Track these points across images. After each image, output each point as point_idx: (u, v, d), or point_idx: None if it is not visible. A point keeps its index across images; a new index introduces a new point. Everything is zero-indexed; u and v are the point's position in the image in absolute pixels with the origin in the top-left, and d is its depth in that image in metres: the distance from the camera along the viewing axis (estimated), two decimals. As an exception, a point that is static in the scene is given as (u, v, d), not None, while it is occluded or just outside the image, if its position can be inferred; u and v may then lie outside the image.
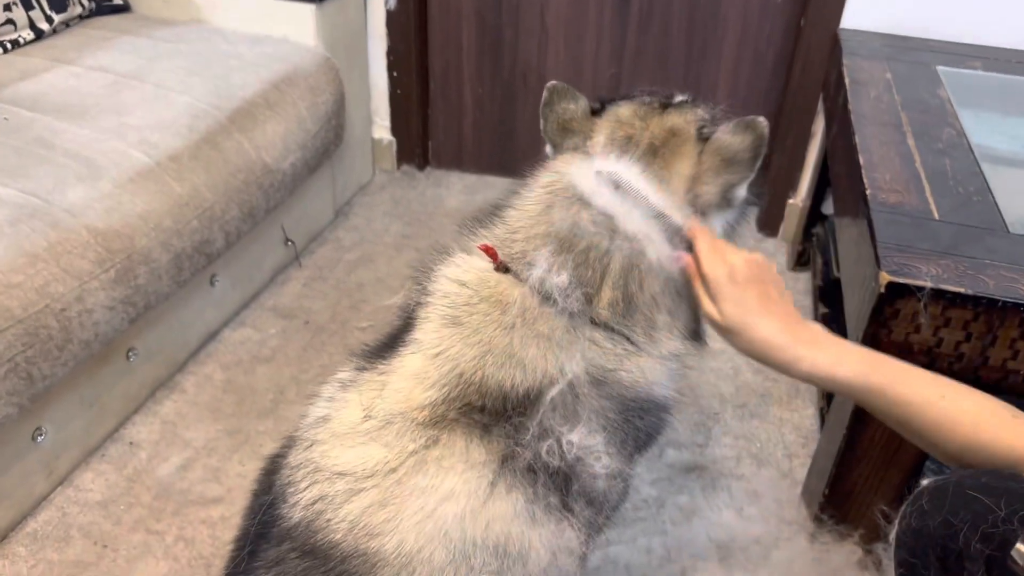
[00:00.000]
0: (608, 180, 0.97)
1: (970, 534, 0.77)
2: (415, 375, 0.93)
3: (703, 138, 1.00)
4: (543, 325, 0.93)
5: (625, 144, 1.00)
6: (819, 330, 0.96)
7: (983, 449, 0.88)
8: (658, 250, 0.96)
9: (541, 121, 1.06)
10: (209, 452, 1.67)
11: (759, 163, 0.98)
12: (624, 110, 1.04)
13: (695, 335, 1.04)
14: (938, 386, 0.93)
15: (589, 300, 0.95)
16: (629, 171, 0.97)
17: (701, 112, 1.04)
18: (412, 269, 1.04)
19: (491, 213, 1.04)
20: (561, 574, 0.94)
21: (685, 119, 1.02)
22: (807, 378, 0.95)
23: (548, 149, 1.07)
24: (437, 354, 0.93)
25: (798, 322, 0.96)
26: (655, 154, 0.99)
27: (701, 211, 0.99)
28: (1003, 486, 0.78)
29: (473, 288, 0.96)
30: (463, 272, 0.98)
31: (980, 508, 0.77)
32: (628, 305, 0.96)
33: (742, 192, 1.00)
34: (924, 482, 0.86)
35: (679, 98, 1.06)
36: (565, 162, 1.02)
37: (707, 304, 0.97)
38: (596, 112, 1.06)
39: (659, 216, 0.97)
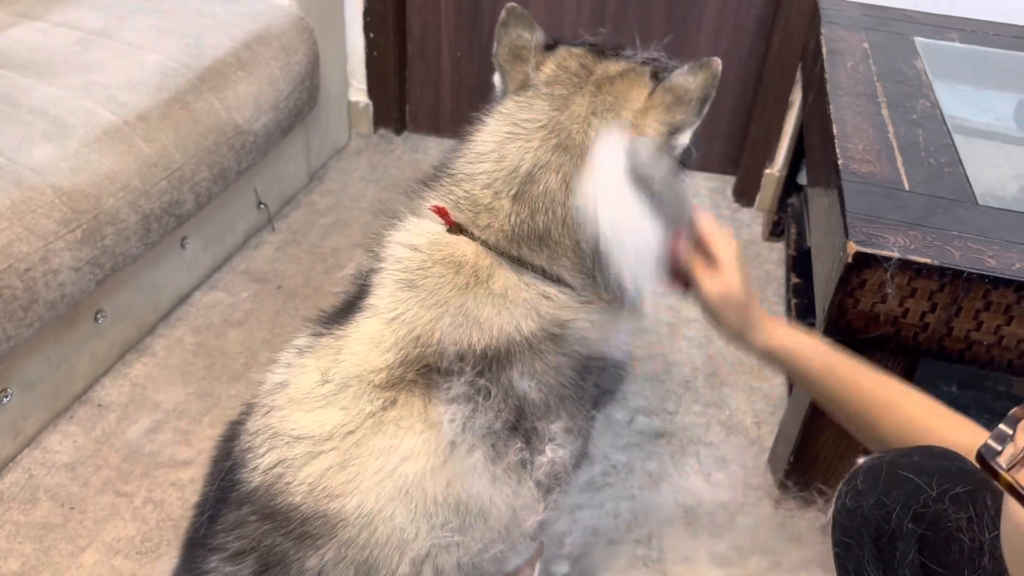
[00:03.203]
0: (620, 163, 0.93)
1: (902, 514, 0.78)
2: (371, 339, 0.92)
3: (658, 79, 0.99)
4: (497, 283, 0.93)
5: (578, 71, 0.98)
6: (778, 320, 1.09)
7: (920, 439, 0.91)
8: (642, 230, 0.95)
9: (494, 44, 1.03)
10: (179, 415, 1.66)
11: (707, 107, 0.97)
12: (576, 49, 1.03)
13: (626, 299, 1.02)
14: (879, 374, 1.04)
15: (543, 248, 0.94)
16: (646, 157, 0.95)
17: (652, 58, 1.03)
18: (364, 236, 1.02)
19: (437, 173, 1.02)
20: (522, 531, 0.94)
21: (637, 62, 1.01)
22: (768, 348, 1.05)
23: (496, 79, 1.04)
24: (393, 318, 0.92)
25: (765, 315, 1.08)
26: (611, 81, 0.97)
27: None
28: (935, 465, 0.79)
29: (426, 252, 0.95)
30: (414, 236, 0.97)
31: (912, 488, 0.78)
32: (579, 260, 0.95)
33: (685, 139, 0.98)
34: (860, 461, 0.87)
35: (629, 52, 1.05)
36: (509, 109, 0.99)
37: (710, 282, 1.03)
38: (549, 48, 1.03)
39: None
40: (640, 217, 0.94)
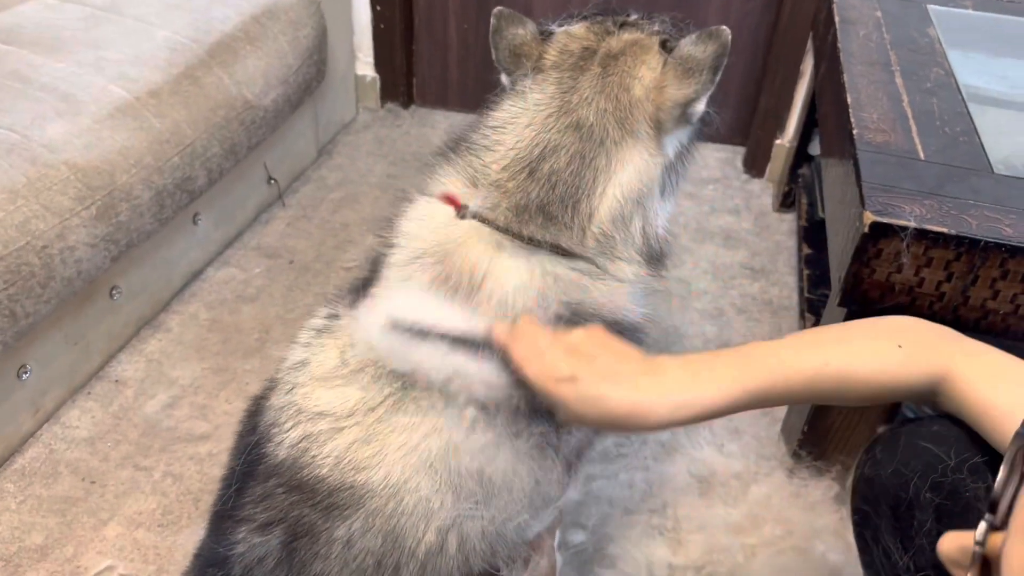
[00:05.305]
0: (399, 328, 0.90)
1: (920, 484, 0.77)
2: None
3: (667, 49, 0.98)
4: (505, 272, 0.91)
5: (582, 54, 0.98)
6: (679, 360, 0.86)
7: (896, 389, 0.85)
8: (476, 380, 0.88)
9: (492, 50, 1.03)
10: (195, 390, 1.68)
11: (719, 75, 0.95)
12: (577, 28, 1.02)
13: (653, 259, 1.01)
14: (818, 353, 0.86)
15: (553, 224, 0.93)
16: (425, 304, 0.90)
17: (659, 27, 1.02)
18: (375, 219, 1.02)
19: (453, 145, 1.01)
20: (544, 501, 0.95)
21: (645, 33, 1.00)
22: (721, 407, 0.83)
23: (503, 78, 1.04)
24: None
25: (654, 362, 0.86)
26: (616, 59, 0.96)
27: (660, 127, 0.97)
28: (954, 434, 0.79)
29: (432, 240, 0.94)
30: (422, 223, 0.96)
31: (930, 458, 0.77)
32: (582, 232, 0.94)
33: (701, 107, 0.97)
34: (880, 430, 0.86)
35: (634, 16, 1.04)
36: (522, 90, 0.99)
37: (555, 388, 0.84)
38: (545, 35, 1.03)
39: (462, 338, 0.89)
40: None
